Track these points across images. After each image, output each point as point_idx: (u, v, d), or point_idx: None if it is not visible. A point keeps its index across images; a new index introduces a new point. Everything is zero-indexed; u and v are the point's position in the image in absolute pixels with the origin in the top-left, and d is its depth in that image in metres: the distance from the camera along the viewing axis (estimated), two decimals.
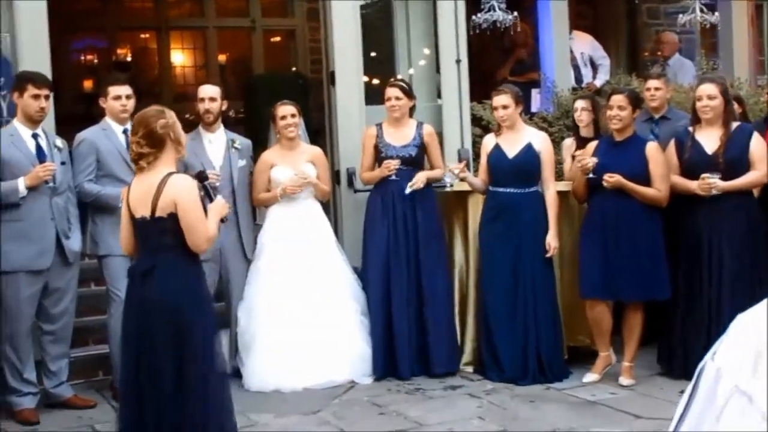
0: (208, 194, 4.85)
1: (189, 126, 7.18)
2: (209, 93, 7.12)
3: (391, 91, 7.22)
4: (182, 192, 4.60)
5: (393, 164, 7.05)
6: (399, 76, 8.20)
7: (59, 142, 6.43)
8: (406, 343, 7.04)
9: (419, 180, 7.02)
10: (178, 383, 4.57)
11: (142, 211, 4.63)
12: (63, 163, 6.35)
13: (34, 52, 6.90)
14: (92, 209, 6.60)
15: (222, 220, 4.81)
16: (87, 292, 7.41)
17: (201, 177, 4.97)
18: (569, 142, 7.47)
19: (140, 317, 4.67)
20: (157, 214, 4.58)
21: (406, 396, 6.66)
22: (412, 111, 7.34)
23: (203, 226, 4.62)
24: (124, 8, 14.43)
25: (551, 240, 6.80)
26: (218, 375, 4.80)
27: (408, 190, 7.00)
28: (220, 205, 4.81)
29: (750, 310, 2.08)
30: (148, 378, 4.62)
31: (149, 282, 4.65)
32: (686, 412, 2.10)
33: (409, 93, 7.25)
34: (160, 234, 4.63)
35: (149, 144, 4.62)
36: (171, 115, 4.70)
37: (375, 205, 7.22)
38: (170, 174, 4.62)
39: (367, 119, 7.82)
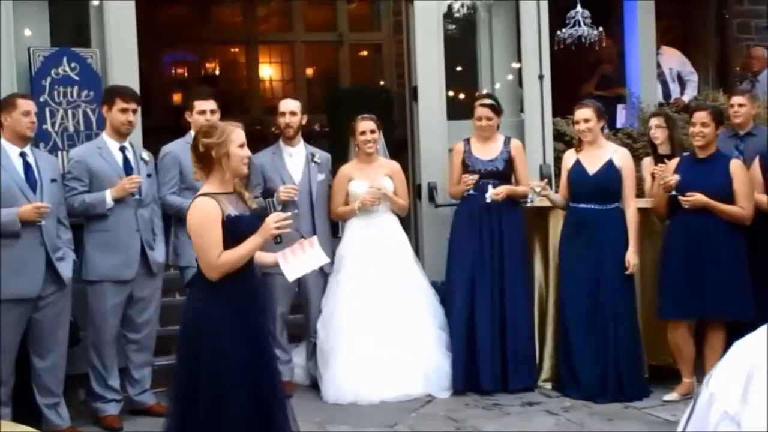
0: (268, 211, 4.73)
1: (276, 140, 7.32)
2: (290, 107, 7.17)
3: (482, 111, 7.22)
4: (192, 216, 4.54)
5: (470, 179, 7.06)
6: (484, 91, 8.19)
7: (145, 155, 6.57)
8: (488, 357, 7.02)
9: (501, 192, 7.01)
10: (193, 397, 4.52)
11: None
12: (149, 176, 6.49)
13: (124, 67, 7.08)
14: (175, 221, 6.73)
15: (276, 240, 4.63)
16: (171, 302, 7.56)
17: (266, 193, 4.91)
18: (648, 161, 7.35)
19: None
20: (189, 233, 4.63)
21: (483, 411, 6.64)
22: (497, 126, 7.35)
23: (207, 253, 4.47)
24: (215, 22, 14.68)
25: (631, 257, 6.72)
26: (272, 392, 4.69)
27: (488, 199, 7.00)
28: (266, 226, 4.55)
29: (746, 337, 2.07)
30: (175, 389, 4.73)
31: (187, 299, 4.84)
32: None
33: (499, 111, 7.26)
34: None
35: (195, 159, 4.61)
36: (221, 134, 4.55)
37: (461, 220, 7.24)
38: (198, 196, 4.58)
39: (449, 134, 7.84)
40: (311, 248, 4.81)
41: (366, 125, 7.20)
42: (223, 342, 4.48)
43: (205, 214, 4.47)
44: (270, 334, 4.92)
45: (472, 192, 7.09)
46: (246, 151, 4.63)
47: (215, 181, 4.57)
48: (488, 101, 7.32)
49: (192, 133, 6.79)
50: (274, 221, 4.54)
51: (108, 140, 6.43)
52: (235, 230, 4.48)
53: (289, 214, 4.71)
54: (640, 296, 6.95)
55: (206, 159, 4.54)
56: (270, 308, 7.06)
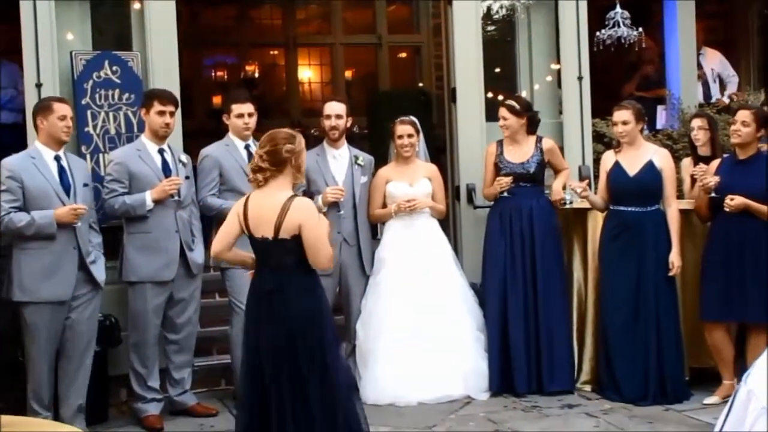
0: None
1: (315, 141, 7.33)
2: (336, 110, 7.18)
3: (500, 111, 7.23)
4: (308, 215, 4.82)
5: (504, 181, 7.06)
6: (523, 92, 8.17)
7: (184, 157, 6.62)
8: (523, 360, 7.01)
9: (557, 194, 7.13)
10: (320, 393, 4.80)
11: (263, 232, 4.82)
12: (187, 178, 6.52)
13: (164, 70, 7.16)
14: (215, 223, 6.76)
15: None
16: (211, 303, 7.62)
17: None
18: (687, 162, 7.30)
19: (273, 333, 4.84)
20: (281, 236, 4.77)
21: (522, 413, 6.62)
22: (536, 125, 7.32)
23: (325, 245, 4.83)
24: (254, 25, 14.76)
25: (674, 258, 6.68)
26: (346, 386, 5.04)
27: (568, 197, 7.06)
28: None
29: None
30: (289, 392, 4.81)
31: (279, 300, 4.83)
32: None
33: (517, 111, 7.17)
34: (283, 254, 4.81)
35: (270, 162, 4.84)
36: (300, 143, 4.91)
37: (493, 222, 7.24)
38: (292, 197, 4.82)
39: (488, 135, 7.82)
40: None
41: (404, 129, 7.22)
42: (333, 329, 5.00)
43: (316, 212, 4.95)
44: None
45: (507, 195, 7.10)
46: None
47: (287, 185, 4.95)
48: (507, 102, 7.30)
49: (231, 135, 6.85)
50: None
51: (147, 143, 6.49)
52: None
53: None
54: (681, 298, 6.90)
55: (283, 164, 4.88)
56: None
